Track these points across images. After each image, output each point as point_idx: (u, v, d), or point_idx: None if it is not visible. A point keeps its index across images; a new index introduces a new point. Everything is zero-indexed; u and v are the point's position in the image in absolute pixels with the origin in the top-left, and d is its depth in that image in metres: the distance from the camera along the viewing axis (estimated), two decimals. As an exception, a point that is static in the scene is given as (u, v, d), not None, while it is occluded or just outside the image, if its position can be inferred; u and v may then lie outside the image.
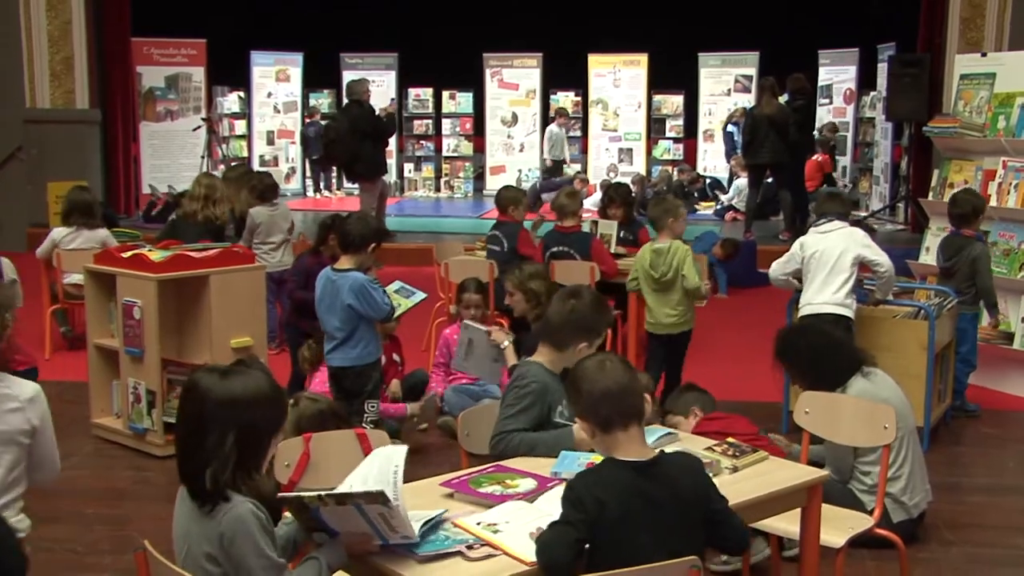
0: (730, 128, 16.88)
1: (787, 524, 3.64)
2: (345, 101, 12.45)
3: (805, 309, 5.87)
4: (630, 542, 2.63)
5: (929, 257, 7.73)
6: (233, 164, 13.03)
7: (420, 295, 6.00)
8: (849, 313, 5.82)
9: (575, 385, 2.90)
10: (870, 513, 4.12)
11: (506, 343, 5.80)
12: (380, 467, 2.79)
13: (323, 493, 2.66)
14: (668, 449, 3.11)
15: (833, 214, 6.06)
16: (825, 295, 5.81)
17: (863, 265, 5.92)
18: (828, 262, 5.84)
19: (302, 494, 2.70)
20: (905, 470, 4.50)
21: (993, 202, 7.31)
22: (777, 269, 6.17)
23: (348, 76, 16.71)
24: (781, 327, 5.31)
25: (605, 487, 2.71)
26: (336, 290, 5.30)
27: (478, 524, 2.87)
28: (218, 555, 2.57)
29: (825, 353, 4.63)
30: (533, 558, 2.67)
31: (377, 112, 12.06)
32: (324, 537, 2.75)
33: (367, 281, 5.26)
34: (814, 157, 15.38)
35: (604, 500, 2.68)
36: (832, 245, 5.87)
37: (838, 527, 3.83)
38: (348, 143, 11.47)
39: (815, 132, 15.46)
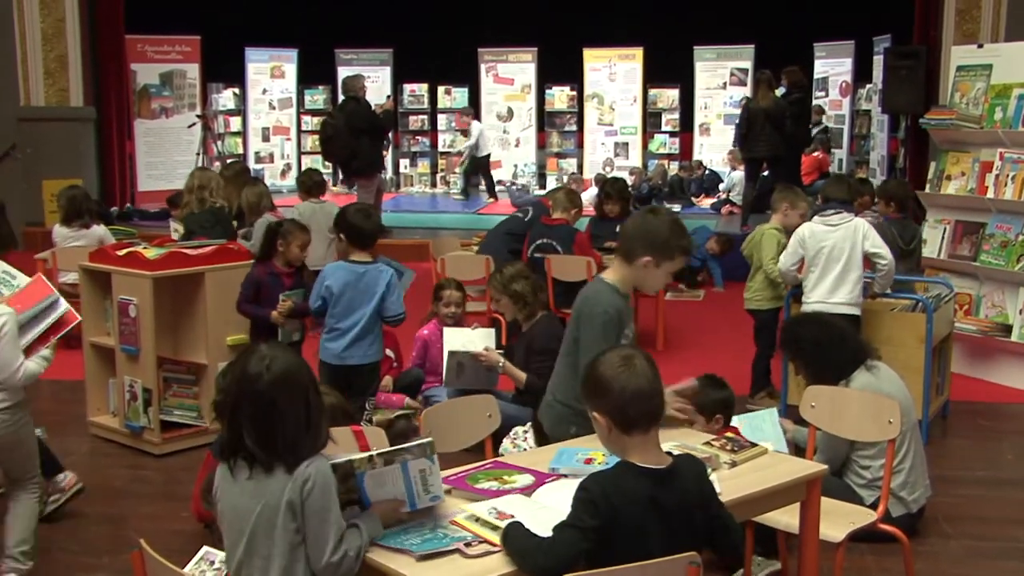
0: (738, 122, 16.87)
1: (788, 518, 3.63)
2: (341, 98, 12.41)
3: (816, 306, 5.83)
4: (640, 550, 2.59)
5: (927, 249, 7.73)
6: (229, 162, 13.01)
7: (409, 273, 5.97)
8: (859, 312, 5.85)
9: (601, 383, 2.76)
10: (870, 507, 4.12)
11: (500, 363, 5.61)
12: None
13: (375, 453, 2.74)
14: (674, 450, 3.09)
15: (839, 203, 6.03)
16: (840, 295, 5.83)
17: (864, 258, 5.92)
18: (839, 259, 5.85)
19: (352, 457, 2.75)
20: (906, 464, 4.48)
21: (990, 194, 7.30)
22: (785, 261, 6.12)
23: (343, 72, 16.69)
24: (786, 319, 5.30)
25: (622, 496, 2.63)
26: (368, 282, 5.27)
27: (476, 521, 2.85)
28: (295, 501, 2.62)
29: (830, 345, 4.61)
30: None
31: (373, 108, 12.04)
32: (355, 511, 2.79)
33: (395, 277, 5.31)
34: (814, 154, 15.36)
35: (619, 508, 2.62)
36: (841, 240, 5.87)
37: (838, 522, 3.81)
38: (345, 140, 11.45)
39: (811, 125, 15.47)
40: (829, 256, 5.87)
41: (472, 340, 5.87)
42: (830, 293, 5.84)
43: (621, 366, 2.76)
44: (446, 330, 6.08)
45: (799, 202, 6.66)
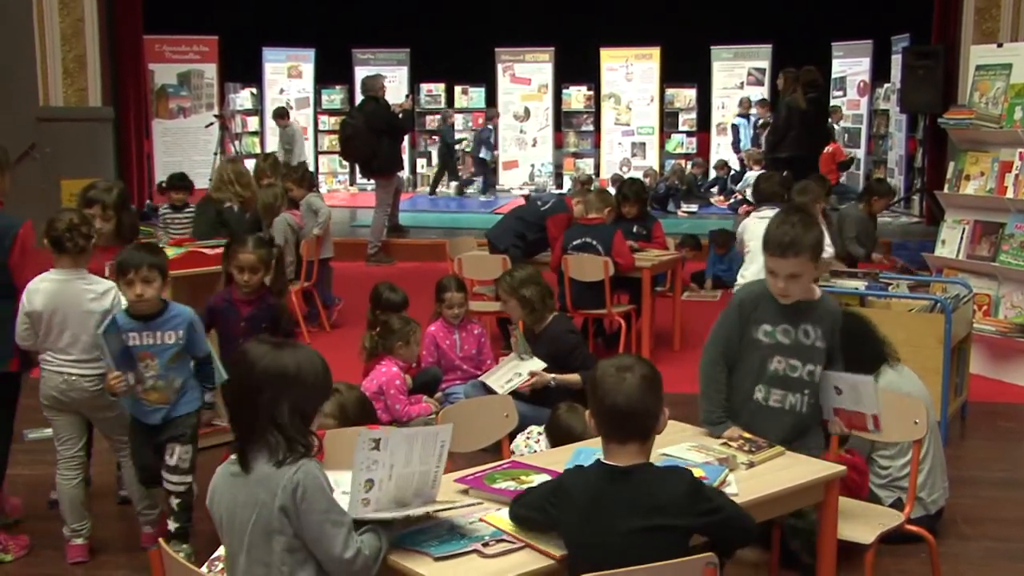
0: (735, 121, 16.84)
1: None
2: (360, 98, 12.45)
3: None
4: (600, 546, 2.63)
5: (945, 249, 7.69)
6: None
7: None
8: None
9: (594, 387, 2.84)
10: (889, 508, 4.10)
11: (551, 380, 5.56)
12: (424, 445, 2.80)
13: (407, 515, 2.76)
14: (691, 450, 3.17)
15: (771, 201, 6.85)
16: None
17: None
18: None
19: (383, 516, 2.73)
20: (925, 465, 4.46)
21: (1010, 194, 7.27)
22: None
23: (360, 72, 16.74)
24: None
25: (580, 485, 2.74)
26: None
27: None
28: (289, 507, 2.58)
29: (858, 340, 4.58)
30: (559, 552, 2.70)
31: (392, 108, 12.05)
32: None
33: None
34: (825, 149, 15.29)
35: (574, 497, 2.71)
36: None
37: (867, 523, 3.78)
38: (364, 139, 11.47)
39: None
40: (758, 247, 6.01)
41: (517, 372, 5.73)
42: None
43: (613, 375, 2.80)
44: (484, 378, 5.87)
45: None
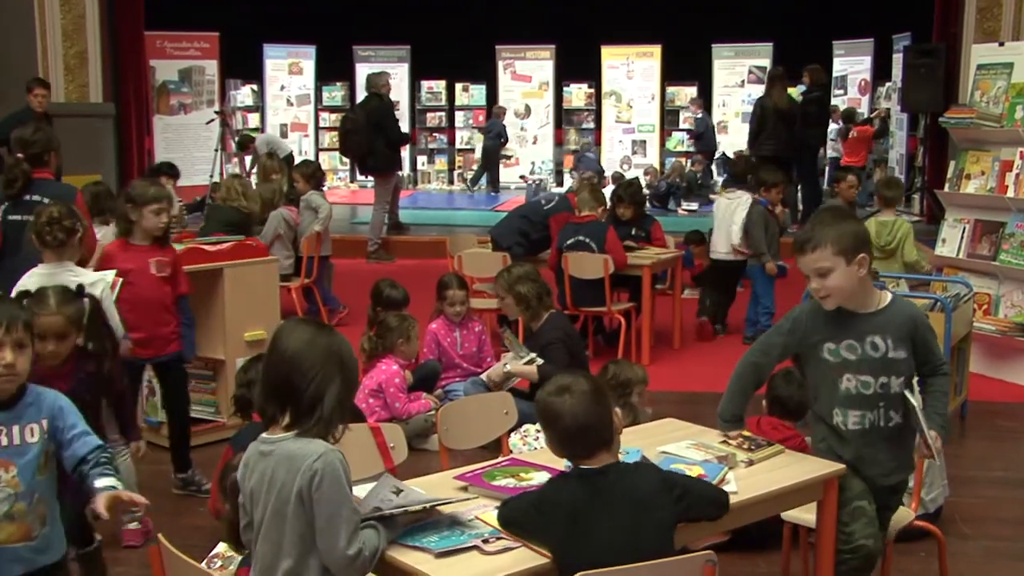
0: None
1: (810, 514, 3.59)
2: (362, 94, 12.44)
3: (714, 255, 8.34)
4: (587, 540, 2.65)
5: (945, 248, 7.70)
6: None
7: None
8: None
9: (542, 417, 2.87)
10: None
11: (506, 367, 5.63)
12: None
13: (405, 508, 2.78)
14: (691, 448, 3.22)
15: (740, 184, 8.40)
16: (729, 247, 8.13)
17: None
18: (735, 223, 7.99)
19: (399, 510, 2.76)
20: (925, 464, 4.46)
21: (1010, 193, 7.26)
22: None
23: (361, 69, 16.76)
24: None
25: (562, 495, 2.76)
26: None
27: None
28: (304, 492, 2.58)
29: None
30: None
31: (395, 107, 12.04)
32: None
33: None
34: (850, 135, 15.22)
35: (559, 507, 2.72)
36: (738, 210, 8.01)
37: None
38: (364, 135, 11.46)
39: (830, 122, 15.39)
40: (726, 220, 8.11)
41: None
42: (724, 245, 8.12)
43: (555, 399, 2.82)
44: (485, 376, 5.93)
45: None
